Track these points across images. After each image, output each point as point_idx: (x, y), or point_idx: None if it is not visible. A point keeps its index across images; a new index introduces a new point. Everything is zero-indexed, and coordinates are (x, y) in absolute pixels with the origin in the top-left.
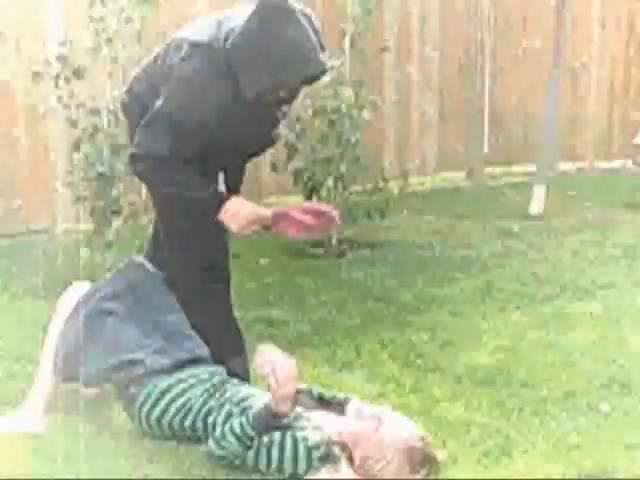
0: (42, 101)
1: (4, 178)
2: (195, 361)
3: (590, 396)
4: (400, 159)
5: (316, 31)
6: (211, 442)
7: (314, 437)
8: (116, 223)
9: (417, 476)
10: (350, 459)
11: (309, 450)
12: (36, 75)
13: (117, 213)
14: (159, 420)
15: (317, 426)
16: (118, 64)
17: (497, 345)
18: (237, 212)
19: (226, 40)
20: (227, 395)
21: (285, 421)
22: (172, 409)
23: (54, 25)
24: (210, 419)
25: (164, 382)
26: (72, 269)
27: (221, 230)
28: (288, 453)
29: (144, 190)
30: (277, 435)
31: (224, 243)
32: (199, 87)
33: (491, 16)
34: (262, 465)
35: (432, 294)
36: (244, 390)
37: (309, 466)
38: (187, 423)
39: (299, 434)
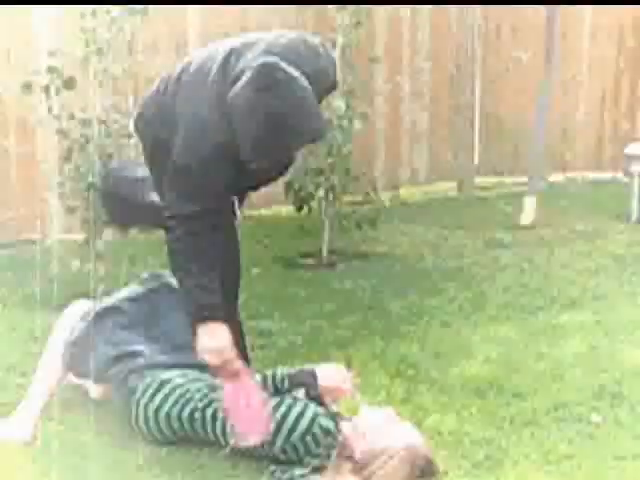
0: (32, 112)
1: None
2: (192, 367)
3: (581, 407)
4: (391, 170)
5: (319, 86)
6: None
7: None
8: (107, 234)
9: (412, 478)
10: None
11: (315, 424)
12: (26, 86)
13: (108, 224)
14: (157, 411)
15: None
16: (109, 75)
17: (488, 356)
18: (210, 335)
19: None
20: None
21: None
22: (171, 399)
23: (44, 36)
24: (209, 411)
25: (165, 373)
26: (63, 280)
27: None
28: (293, 416)
29: None
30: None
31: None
32: (210, 136)
33: (482, 27)
34: None
35: (423, 305)
36: None
37: (303, 439)
38: (185, 414)
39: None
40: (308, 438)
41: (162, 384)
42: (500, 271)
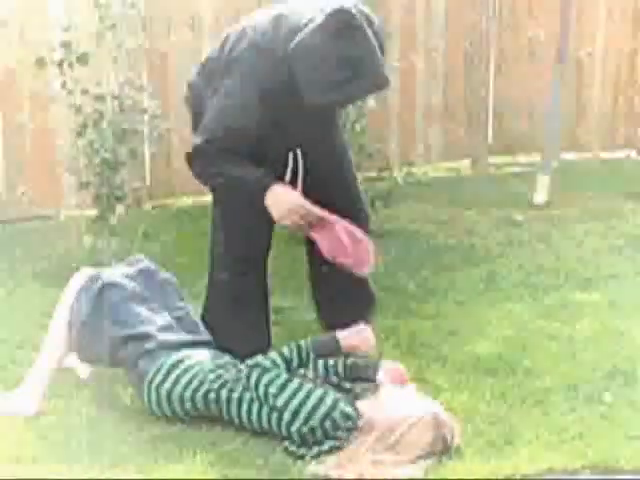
0: (46, 87)
1: (9, 164)
2: (201, 344)
3: (593, 386)
4: (404, 148)
5: (380, 39)
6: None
7: (348, 407)
8: (119, 209)
9: (436, 446)
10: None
11: (335, 410)
12: (40, 61)
13: (121, 199)
14: (169, 393)
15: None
16: (123, 50)
17: (500, 335)
18: (279, 198)
19: (285, 42)
20: (241, 368)
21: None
22: (183, 380)
23: (58, 11)
24: (224, 391)
25: (175, 356)
26: (76, 255)
27: (266, 222)
28: (313, 401)
29: (148, 176)
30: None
31: (267, 236)
32: (255, 86)
33: (496, 5)
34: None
35: (436, 283)
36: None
37: (322, 424)
38: (199, 395)
39: (338, 396)
40: (327, 423)
41: (174, 366)
42: (513, 250)
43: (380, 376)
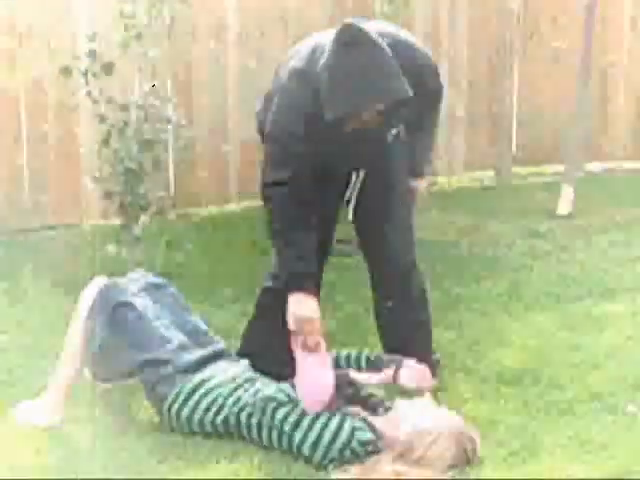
0: (71, 96)
1: (34, 172)
2: (216, 356)
3: (617, 397)
4: None
5: (403, 52)
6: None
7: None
8: (143, 218)
9: (459, 460)
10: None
11: (354, 439)
12: (65, 70)
13: (144, 208)
14: (189, 418)
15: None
16: (147, 60)
17: (524, 345)
18: (298, 305)
19: (318, 65)
20: (259, 388)
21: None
22: (203, 405)
23: (84, 20)
24: (244, 415)
25: (193, 379)
26: (100, 264)
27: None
28: (329, 435)
29: (172, 185)
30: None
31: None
32: (296, 111)
33: (520, 15)
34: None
35: (459, 293)
36: (274, 386)
37: (342, 453)
38: (220, 418)
39: (356, 424)
40: (347, 452)
41: (192, 391)
42: (537, 260)
43: (404, 374)
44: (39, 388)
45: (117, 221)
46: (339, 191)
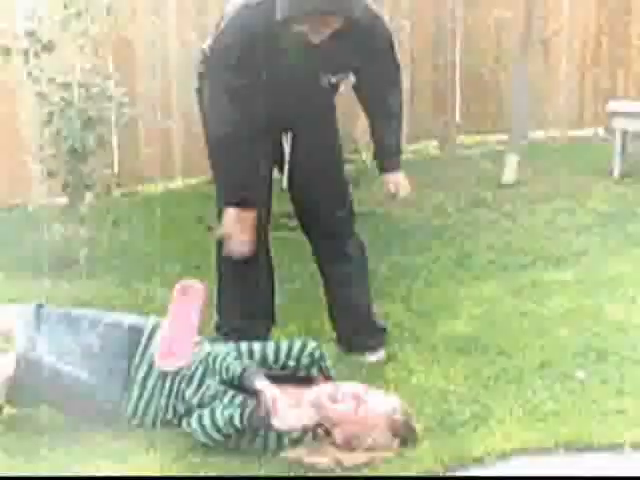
0: (12, 76)
1: None
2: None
3: (566, 364)
4: None
5: None
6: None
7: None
8: (89, 197)
9: (395, 442)
10: (327, 433)
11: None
12: (5, 50)
13: (89, 187)
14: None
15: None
16: (88, 38)
17: (472, 314)
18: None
19: None
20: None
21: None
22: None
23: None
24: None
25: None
26: (45, 244)
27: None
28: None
29: (116, 164)
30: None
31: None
32: (239, 34)
33: None
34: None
35: (407, 264)
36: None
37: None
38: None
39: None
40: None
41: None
42: (483, 230)
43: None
44: None
45: (62, 201)
46: (273, 158)
